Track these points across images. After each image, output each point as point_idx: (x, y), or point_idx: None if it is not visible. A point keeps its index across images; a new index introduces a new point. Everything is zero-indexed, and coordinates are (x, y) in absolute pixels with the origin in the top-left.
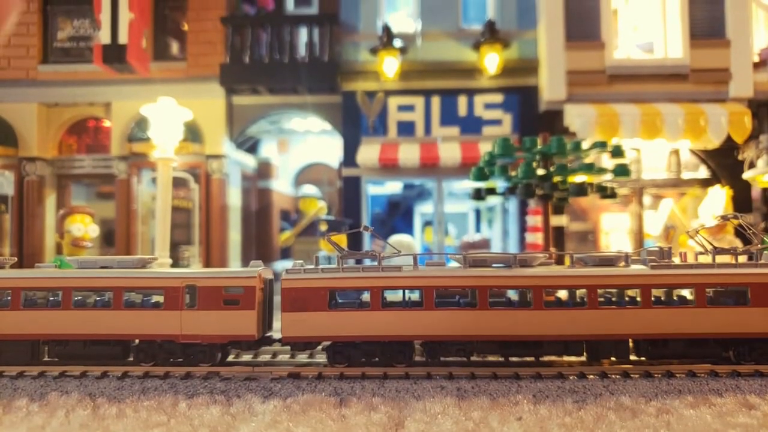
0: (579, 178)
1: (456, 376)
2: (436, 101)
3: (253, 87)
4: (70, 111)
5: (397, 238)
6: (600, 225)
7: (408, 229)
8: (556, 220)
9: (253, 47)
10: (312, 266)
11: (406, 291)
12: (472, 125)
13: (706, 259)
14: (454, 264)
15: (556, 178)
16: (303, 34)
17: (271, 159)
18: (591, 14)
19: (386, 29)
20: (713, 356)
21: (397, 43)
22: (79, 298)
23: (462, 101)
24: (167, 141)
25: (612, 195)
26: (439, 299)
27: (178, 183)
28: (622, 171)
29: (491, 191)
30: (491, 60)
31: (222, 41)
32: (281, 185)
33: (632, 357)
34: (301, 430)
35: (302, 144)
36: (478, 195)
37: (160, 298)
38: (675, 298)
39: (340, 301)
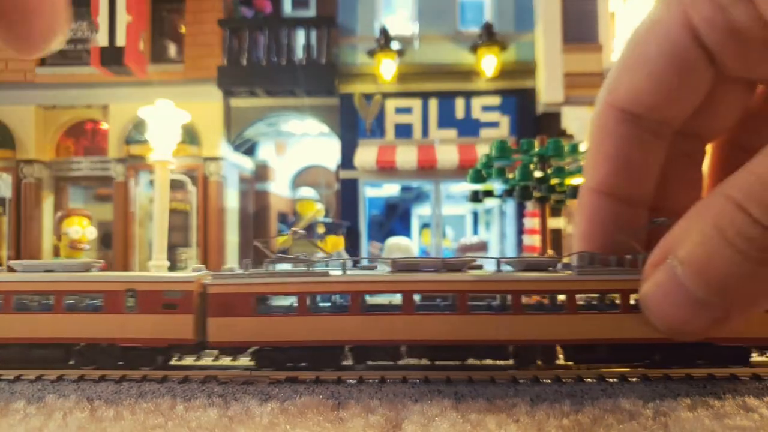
0: (576, 180)
1: (454, 380)
2: (433, 104)
3: (251, 89)
4: (67, 113)
5: (394, 241)
6: None
7: (406, 231)
8: (554, 223)
9: (250, 50)
10: (240, 271)
11: (335, 296)
12: (469, 128)
13: None
14: (385, 268)
15: (554, 181)
16: (300, 36)
17: (269, 161)
18: (588, 17)
19: (384, 32)
20: (640, 360)
21: (395, 45)
22: (23, 302)
23: (459, 104)
24: (165, 143)
25: None
26: (367, 304)
27: (175, 185)
28: None
29: (489, 193)
30: (489, 62)
31: (219, 44)
32: (279, 188)
33: (560, 362)
34: None
35: (300, 146)
36: (476, 197)
37: (101, 302)
38: (602, 303)
39: (268, 306)
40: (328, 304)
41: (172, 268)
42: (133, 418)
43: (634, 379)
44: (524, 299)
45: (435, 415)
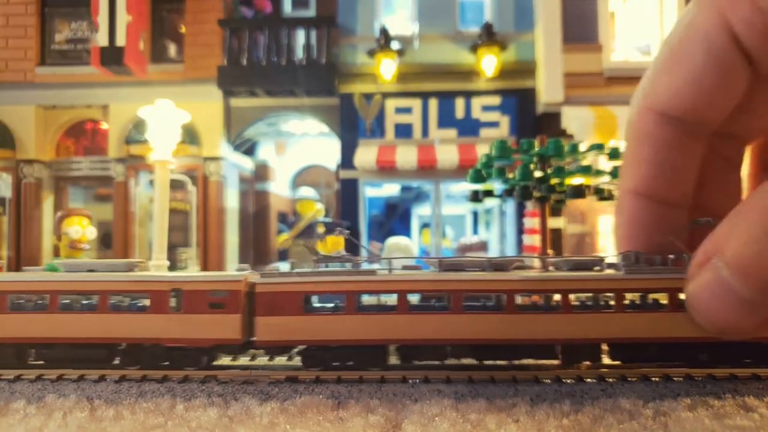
0: (576, 180)
1: (454, 380)
2: (433, 103)
3: (251, 89)
4: (67, 113)
5: (394, 241)
6: (597, 227)
7: (405, 231)
8: (554, 223)
9: (250, 50)
10: (287, 270)
11: (381, 295)
12: (469, 127)
13: None
14: (430, 268)
15: (554, 180)
16: (300, 36)
17: (269, 161)
18: (588, 17)
19: (384, 32)
20: (688, 359)
21: (395, 45)
22: (67, 302)
23: (459, 104)
24: (165, 143)
25: (609, 197)
26: (414, 303)
27: (175, 185)
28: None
29: (489, 193)
30: (489, 62)
31: (219, 44)
32: (279, 187)
33: (606, 361)
34: None
35: (300, 146)
36: (476, 197)
37: (147, 302)
38: (649, 302)
39: (315, 305)
40: (375, 303)
41: (172, 268)
42: (133, 418)
43: (634, 379)
44: (572, 298)
45: (435, 414)
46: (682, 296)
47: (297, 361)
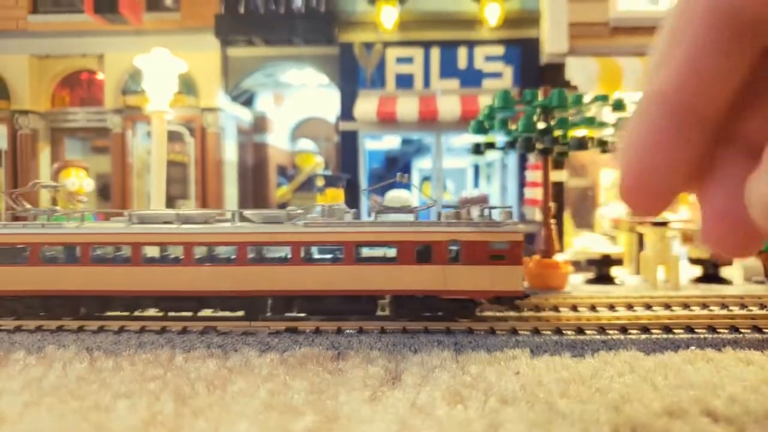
0: (580, 132)
1: (453, 330)
2: (435, 53)
3: (249, 38)
4: (62, 63)
5: (395, 194)
6: (599, 181)
7: (406, 184)
8: (556, 176)
9: None
10: None
11: (69, 247)
12: (472, 78)
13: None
14: (124, 222)
15: (557, 132)
16: None
17: (267, 113)
18: None
19: None
20: (367, 312)
21: None
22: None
23: (462, 53)
24: (161, 93)
25: (613, 150)
26: (100, 256)
27: (173, 137)
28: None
29: (491, 146)
30: (492, 11)
31: None
32: (277, 140)
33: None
34: (297, 383)
35: (298, 97)
36: (477, 150)
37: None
38: (329, 256)
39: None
40: (63, 255)
41: None
42: (132, 369)
43: (636, 331)
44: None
45: (435, 366)
46: (368, 251)
47: None
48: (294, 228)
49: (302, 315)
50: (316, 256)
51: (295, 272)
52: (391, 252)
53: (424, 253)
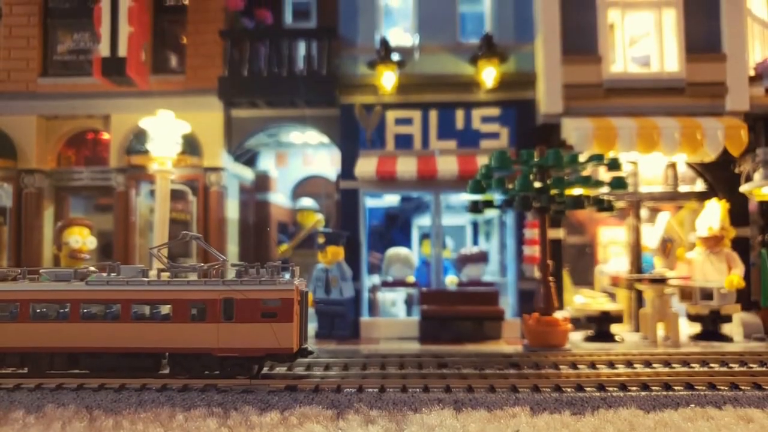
0: (576, 191)
1: (454, 388)
2: (433, 115)
3: (252, 100)
4: (69, 123)
5: (394, 251)
6: (598, 238)
7: (406, 241)
8: (553, 233)
9: (251, 60)
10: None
11: None
12: (469, 138)
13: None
14: None
15: (553, 191)
16: (301, 47)
17: (269, 172)
18: (588, 28)
19: (384, 43)
20: (149, 369)
21: (395, 56)
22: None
23: (459, 115)
24: (166, 153)
25: (609, 208)
26: None
27: (176, 195)
28: (619, 184)
29: (488, 204)
30: (488, 73)
31: (221, 54)
32: (279, 198)
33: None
34: None
35: (300, 157)
36: (476, 208)
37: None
38: (108, 313)
39: None
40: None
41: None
42: (132, 428)
43: (635, 388)
44: None
45: (435, 425)
46: (147, 309)
47: None
48: (74, 286)
49: (87, 371)
50: (99, 313)
51: (75, 329)
52: (168, 310)
53: (199, 312)
